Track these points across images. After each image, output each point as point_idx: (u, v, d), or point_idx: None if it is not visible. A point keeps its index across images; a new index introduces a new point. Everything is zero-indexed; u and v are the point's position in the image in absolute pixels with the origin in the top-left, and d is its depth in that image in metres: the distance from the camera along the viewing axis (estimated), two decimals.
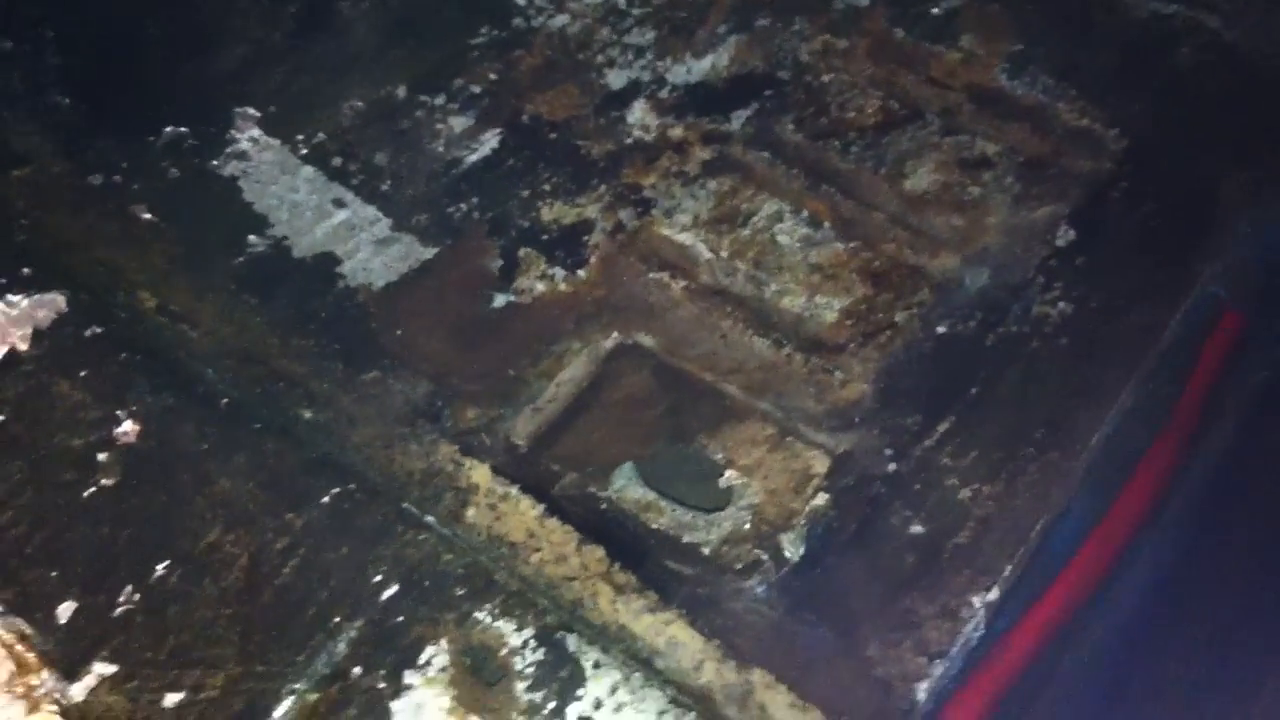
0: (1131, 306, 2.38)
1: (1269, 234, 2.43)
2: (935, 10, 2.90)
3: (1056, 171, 2.63)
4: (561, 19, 2.90)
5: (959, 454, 2.21)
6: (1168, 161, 2.62)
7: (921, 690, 1.95)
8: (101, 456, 2.00)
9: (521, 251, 2.49)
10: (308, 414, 2.15)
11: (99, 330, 2.15)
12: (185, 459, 2.02)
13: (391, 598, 1.89)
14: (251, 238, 2.45)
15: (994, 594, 2.02)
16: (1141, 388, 2.28)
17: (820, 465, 2.22)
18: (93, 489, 1.97)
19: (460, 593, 1.90)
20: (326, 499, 1.99)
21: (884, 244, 2.54)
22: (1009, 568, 2.06)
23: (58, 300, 2.16)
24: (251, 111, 2.64)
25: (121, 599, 1.88)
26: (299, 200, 2.53)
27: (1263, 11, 2.83)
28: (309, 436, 2.11)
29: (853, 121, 2.74)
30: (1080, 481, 2.18)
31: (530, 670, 1.86)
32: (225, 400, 2.11)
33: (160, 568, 1.91)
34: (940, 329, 2.40)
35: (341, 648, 1.86)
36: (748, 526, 2.14)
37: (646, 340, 2.40)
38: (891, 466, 2.20)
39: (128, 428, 2.03)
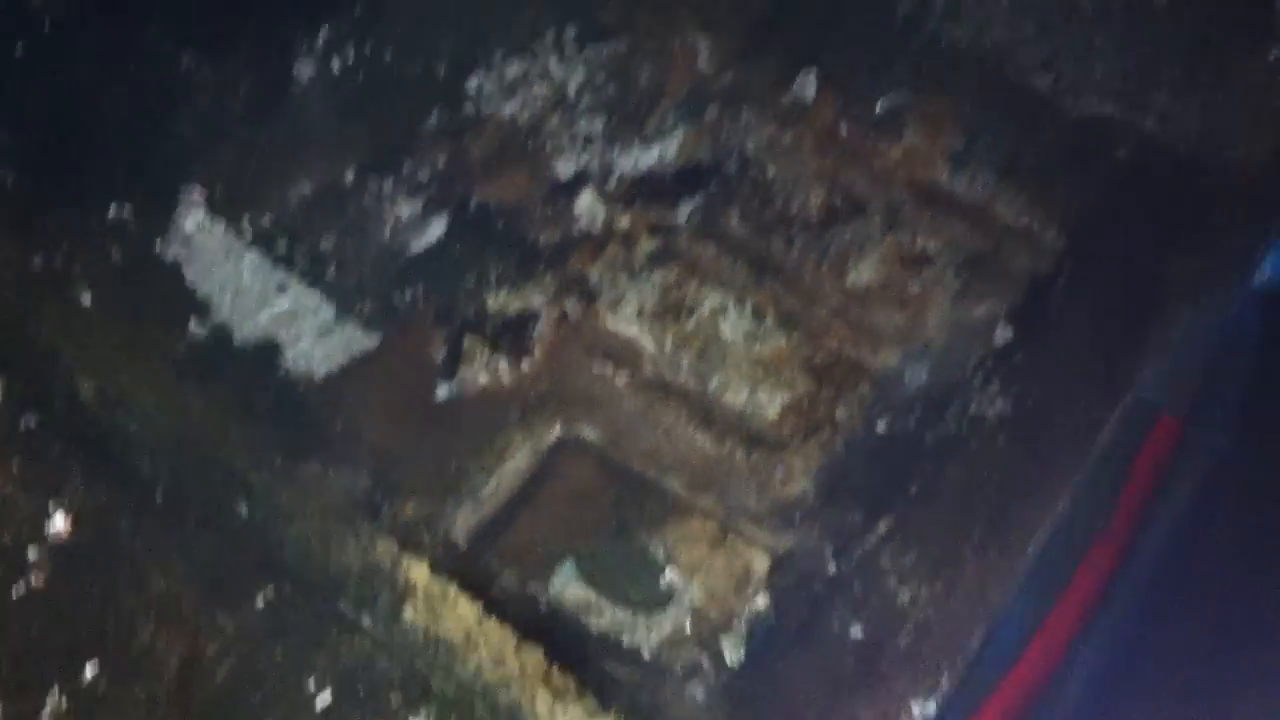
0: (1069, 407, 2.41)
1: (1205, 336, 2.47)
2: (880, 106, 2.94)
3: (996, 269, 2.67)
4: (512, 106, 2.92)
5: (899, 554, 2.23)
6: (1106, 261, 2.67)
7: None
8: (32, 553, 1.96)
9: (466, 341, 2.49)
10: (245, 508, 2.13)
11: (34, 420, 2.12)
12: (119, 556, 2.00)
13: (327, 709, 1.86)
14: (193, 323, 2.43)
15: (933, 702, 2.02)
16: (1080, 490, 2.31)
17: (761, 564, 2.23)
18: (21, 587, 1.93)
19: (396, 701, 1.88)
20: (262, 599, 1.97)
21: (826, 338, 2.57)
22: (948, 673, 2.07)
23: None
24: (197, 194, 2.63)
25: (48, 703, 1.84)
26: (243, 285, 2.51)
27: (1198, 112, 2.90)
28: (246, 532, 2.09)
29: (797, 215, 2.77)
30: (1020, 583, 2.20)
31: None
32: (162, 494, 2.08)
33: (90, 670, 1.88)
34: (881, 426, 2.42)
35: None
36: (688, 628, 2.14)
37: (590, 433, 2.40)
38: (832, 567, 2.21)
39: (60, 522, 2.00)
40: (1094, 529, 2.29)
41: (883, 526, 2.26)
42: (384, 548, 2.11)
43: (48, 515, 2.01)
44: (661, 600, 2.18)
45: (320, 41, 2.95)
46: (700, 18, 3.15)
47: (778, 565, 2.22)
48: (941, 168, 2.83)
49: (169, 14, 2.79)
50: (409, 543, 2.15)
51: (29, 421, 2.13)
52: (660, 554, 2.24)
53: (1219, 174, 2.83)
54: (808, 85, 2.97)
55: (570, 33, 3.09)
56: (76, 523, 2.01)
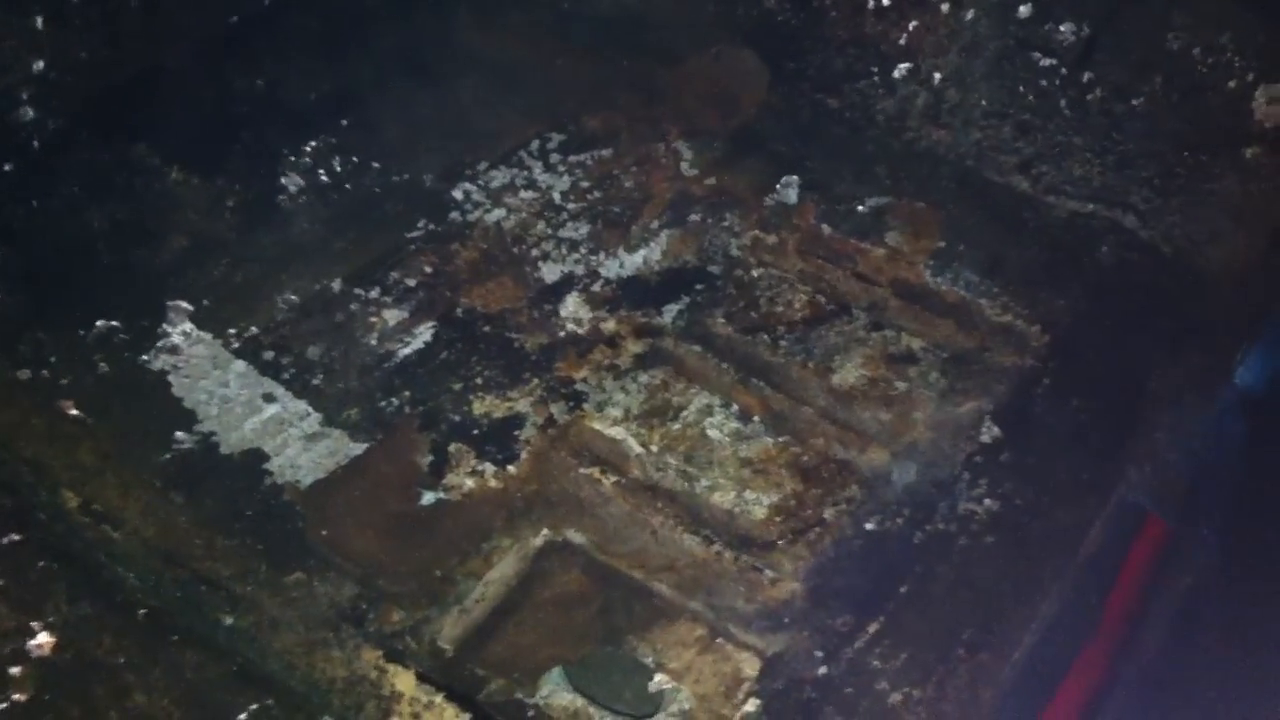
0: (1057, 506, 2.41)
1: (1190, 437, 2.47)
2: (862, 207, 2.98)
3: (981, 367, 2.69)
4: (498, 213, 2.95)
5: (889, 656, 2.20)
6: (1090, 358, 2.69)
7: None
8: (14, 670, 1.94)
9: (452, 446, 2.49)
10: (229, 619, 2.11)
11: (17, 537, 2.11)
12: (101, 672, 1.98)
13: None
14: (179, 434, 2.44)
15: None
16: (1070, 589, 2.30)
17: (751, 668, 2.21)
18: (4, 705, 1.91)
19: None
20: (245, 716, 1.94)
21: (813, 438, 2.57)
22: None
23: None
24: (185, 305, 2.65)
25: None
26: (229, 395, 2.52)
27: (1178, 211, 2.94)
28: (230, 644, 2.07)
29: (782, 316, 2.80)
30: (1012, 685, 2.17)
31: None
32: (144, 609, 2.07)
33: None
34: (869, 525, 2.42)
35: None
36: None
37: (577, 537, 2.39)
38: (822, 669, 2.19)
39: (43, 639, 1.98)
40: (1085, 628, 2.27)
41: (873, 627, 2.24)
42: (369, 657, 2.09)
43: (30, 632, 1.99)
44: (651, 707, 2.15)
45: (308, 154, 3.00)
46: (683, 125, 3.22)
47: (768, 668, 2.20)
48: (924, 268, 2.87)
49: (157, 131, 2.83)
50: (395, 651, 2.13)
51: (11, 540, 2.12)
52: (649, 659, 2.22)
53: (1201, 272, 2.87)
54: (790, 189, 3.02)
55: (555, 142, 3.15)
56: (59, 639, 1.99)
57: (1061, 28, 3.01)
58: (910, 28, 3.15)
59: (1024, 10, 3.03)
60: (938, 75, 3.13)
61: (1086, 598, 2.29)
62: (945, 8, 3.10)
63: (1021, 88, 3.06)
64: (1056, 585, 2.28)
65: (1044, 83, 3.04)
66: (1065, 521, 2.39)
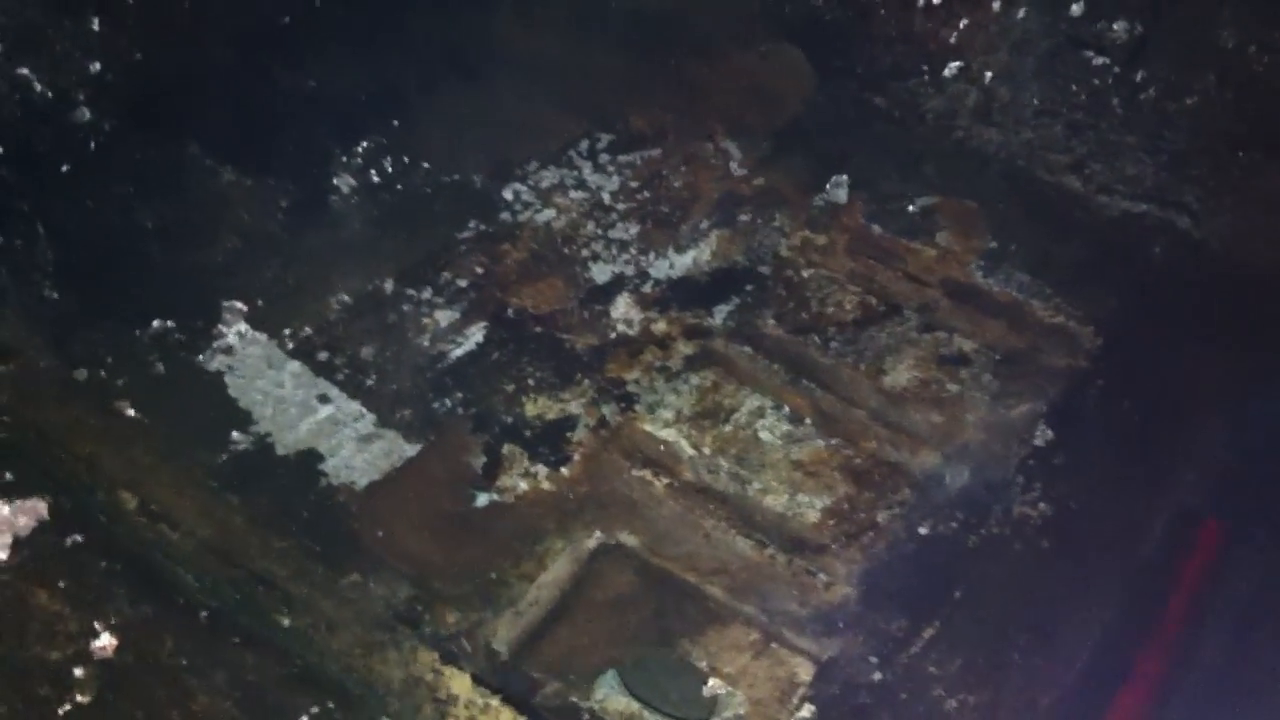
0: (1112, 509, 2.40)
1: (1247, 438, 2.46)
2: (911, 207, 2.97)
3: (1033, 368, 2.68)
4: (548, 214, 2.96)
5: (944, 661, 2.20)
6: (1143, 359, 2.67)
7: None
8: (78, 671, 1.96)
9: (505, 448, 2.50)
10: (287, 621, 2.12)
11: (79, 538, 2.13)
12: (163, 674, 1.99)
13: None
14: (235, 434, 2.45)
15: None
16: (1127, 593, 2.28)
17: (805, 673, 2.21)
18: (68, 705, 1.93)
19: None
20: (305, 718, 1.95)
21: (865, 441, 2.57)
22: None
23: (39, 507, 2.14)
24: (239, 305, 2.66)
25: None
26: (284, 396, 2.53)
27: (1230, 211, 2.91)
28: (288, 645, 2.08)
29: (832, 316, 2.79)
30: (1069, 691, 2.16)
31: None
32: (205, 610, 2.09)
33: None
34: (922, 529, 2.41)
35: None
36: None
37: (629, 539, 2.40)
38: (877, 675, 2.18)
39: (105, 641, 2.00)
40: (1143, 632, 2.25)
41: (928, 632, 2.24)
42: (425, 659, 2.10)
43: (93, 634, 2.01)
44: (705, 711, 2.16)
45: (359, 154, 3.01)
46: (731, 124, 3.21)
47: (822, 673, 2.19)
48: (974, 267, 2.85)
49: (210, 132, 2.85)
50: (450, 654, 2.14)
51: (74, 540, 2.14)
52: (703, 663, 2.22)
53: (1253, 272, 2.85)
54: (839, 189, 3.01)
55: (604, 142, 3.15)
56: (121, 640, 2.01)
57: (1114, 25, 2.99)
58: (961, 25, 3.13)
59: (1076, 8, 3.01)
60: (988, 73, 3.11)
61: (1143, 601, 2.27)
62: (996, 5, 3.08)
63: (1073, 86, 3.04)
64: (1112, 589, 2.27)
65: (1096, 81, 3.02)
66: (1121, 524, 2.38)
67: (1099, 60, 3.01)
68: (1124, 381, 2.62)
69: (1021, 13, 3.06)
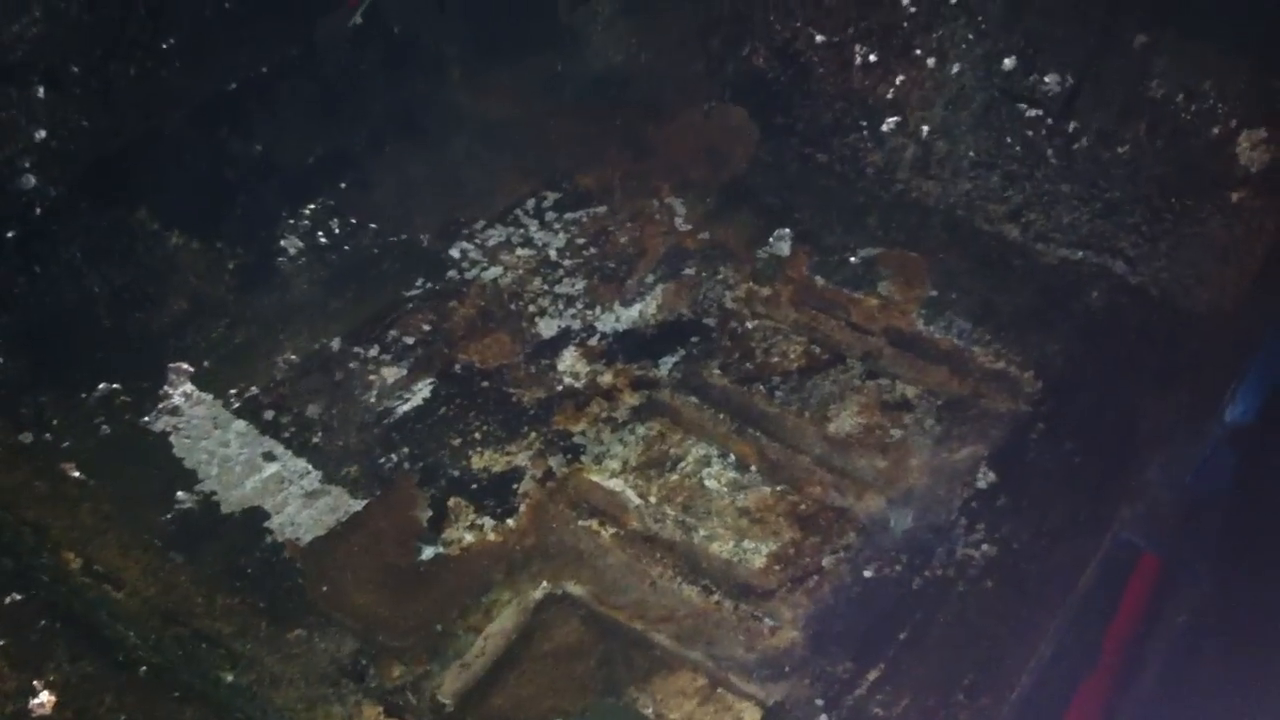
0: (1053, 547, 2.42)
1: (1182, 475, 2.49)
2: (854, 258, 3.02)
3: (975, 413, 2.71)
4: (494, 270, 2.99)
5: (890, 702, 2.21)
6: (1083, 402, 2.71)
7: None
8: None
9: (451, 501, 2.51)
10: (230, 677, 2.12)
11: (19, 597, 2.12)
12: None
13: None
14: (180, 494, 2.46)
15: None
16: (1067, 629, 2.30)
17: (752, 717, 2.21)
18: None
19: None
20: None
21: (810, 486, 2.59)
22: None
23: None
24: (185, 366, 2.68)
25: None
26: (229, 455, 2.54)
27: (1165, 255, 2.97)
28: (230, 701, 2.08)
29: (777, 366, 2.82)
30: None
31: None
32: (145, 667, 2.08)
33: None
34: (868, 572, 2.43)
35: None
36: None
37: (576, 589, 2.40)
38: (823, 717, 2.19)
39: (44, 699, 1.99)
40: (1084, 665, 2.27)
41: (873, 674, 2.24)
42: (370, 712, 2.10)
43: (32, 692, 2.00)
44: None
45: (307, 216, 3.04)
46: (677, 181, 3.26)
47: (768, 717, 2.20)
48: (916, 316, 2.89)
49: (157, 196, 2.87)
50: (395, 707, 2.14)
51: (13, 600, 2.13)
52: (650, 710, 2.22)
53: (1189, 314, 2.90)
54: (782, 241, 3.05)
55: (550, 200, 3.19)
56: (60, 698, 2.00)
57: (1046, 79, 3.05)
58: (897, 82, 3.20)
59: (1008, 62, 3.08)
60: (925, 128, 3.17)
61: (1084, 636, 2.29)
62: (931, 61, 3.15)
63: (1008, 138, 3.10)
64: (1054, 626, 2.29)
65: (1030, 132, 3.08)
66: (1062, 562, 2.39)
67: (1032, 112, 3.08)
68: (1064, 424, 2.66)
69: (955, 68, 3.13)
